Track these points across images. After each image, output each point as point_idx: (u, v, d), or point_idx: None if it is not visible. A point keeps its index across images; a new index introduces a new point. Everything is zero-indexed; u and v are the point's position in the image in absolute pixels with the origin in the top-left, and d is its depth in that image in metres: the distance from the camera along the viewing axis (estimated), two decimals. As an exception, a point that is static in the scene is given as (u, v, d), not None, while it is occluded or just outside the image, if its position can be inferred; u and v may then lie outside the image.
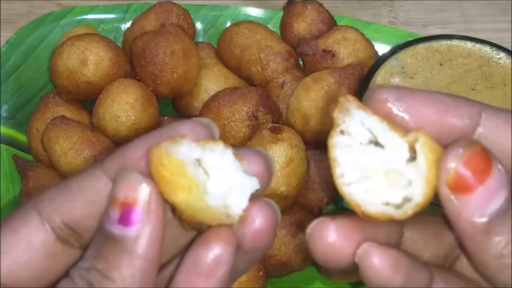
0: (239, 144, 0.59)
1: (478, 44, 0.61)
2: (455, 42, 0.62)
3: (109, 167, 0.30)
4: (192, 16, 0.69)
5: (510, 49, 0.61)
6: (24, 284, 0.31)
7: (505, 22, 0.77)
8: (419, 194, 0.29)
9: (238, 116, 0.59)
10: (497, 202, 0.29)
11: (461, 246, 0.32)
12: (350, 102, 0.30)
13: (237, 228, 0.30)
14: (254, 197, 0.31)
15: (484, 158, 0.29)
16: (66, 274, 0.31)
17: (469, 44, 0.62)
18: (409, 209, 0.29)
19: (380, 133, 0.30)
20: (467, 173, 0.28)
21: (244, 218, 0.30)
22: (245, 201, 0.30)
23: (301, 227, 0.57)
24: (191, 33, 0.68)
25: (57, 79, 0.62)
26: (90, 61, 0.60)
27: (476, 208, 0.29)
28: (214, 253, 0.29)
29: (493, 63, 0.61)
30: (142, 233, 0.29)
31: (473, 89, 0.60)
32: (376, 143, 0.30)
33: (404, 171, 0.30)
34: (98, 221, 0.31)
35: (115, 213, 0.29)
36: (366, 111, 0.30)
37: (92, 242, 0.31)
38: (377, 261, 0.29)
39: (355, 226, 0.30)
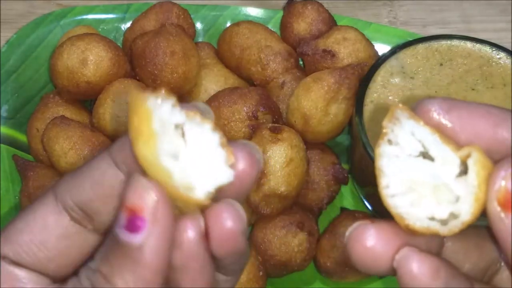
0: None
1: (478, 44, 0.61)
2: (455, 42, 0.62)
3: (114, 152, 0.31)
4: (192, 16, 0.69)
5: (510, 49, 0.61)
6: (43, 265, 0.32)
7: (505, 22, 0.77)
8: (467, 211, 0.28)
9: (238, 116, 0.59)
10: None
11: (507, 262, 0.32)
12: (402, 111, 0.29)
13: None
14: (221, 196, 0.29)
15: None
16: (75, 272, 0.32)
17: (469, 44, 0.62)
18: (455, 227, 0.28)
19: (431, 145, 0.29)
20: None
21: (207, 210, 0.29)
22: (211, 188, 0.29)
23: (301, 227, 0.57)
24: (191, 33, 0.68)
25: (57, 79, 0.62)
26: (90, 61, 0.60)
27: None
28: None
29: (493, 63, 0.61)
30: (147, 242, 0.28)
31: (473, 89, 0.60)
32: (425, 155, 0.29)
33: (452, 186, 0.29)
34: (105, 204, 0.31)
35: (123, 218, 0.29)
36: (417, 122, 0.29)
37: (104, 243, 0.31)
38: (416, 267, 0.28)
39: (395, 231, 0.30)
